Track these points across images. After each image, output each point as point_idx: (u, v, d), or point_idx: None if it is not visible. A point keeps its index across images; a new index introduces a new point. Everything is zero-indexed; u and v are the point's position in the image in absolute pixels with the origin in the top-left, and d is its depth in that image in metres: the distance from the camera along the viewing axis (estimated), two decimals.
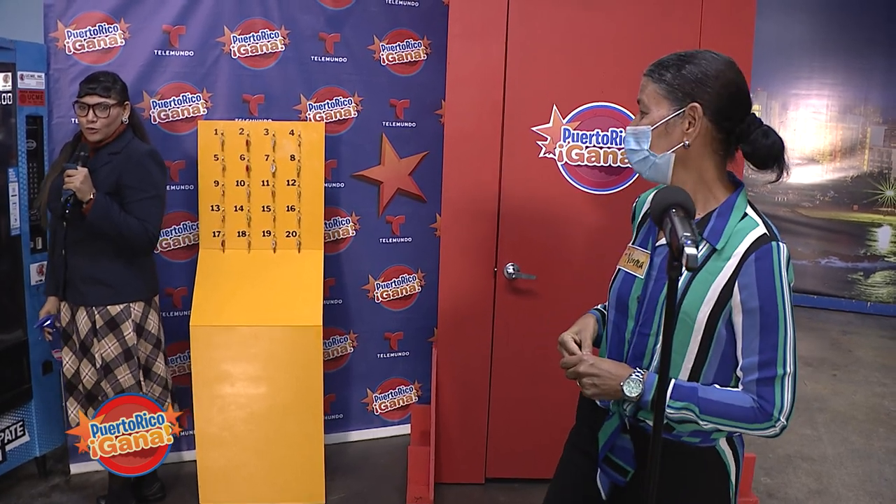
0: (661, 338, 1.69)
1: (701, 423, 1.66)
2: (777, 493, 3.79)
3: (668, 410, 1.64)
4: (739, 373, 1.67)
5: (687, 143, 1.70)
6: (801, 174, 7.40)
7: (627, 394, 1.68)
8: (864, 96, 7.15)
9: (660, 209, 1.41)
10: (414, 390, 4.31)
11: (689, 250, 1.25)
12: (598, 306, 2.04)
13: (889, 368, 5.78)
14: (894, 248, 7.21)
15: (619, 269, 1.87)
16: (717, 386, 1.68)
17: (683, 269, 1.26)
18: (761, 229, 1.66)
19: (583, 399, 2.00)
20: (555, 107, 3.41)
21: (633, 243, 1.90)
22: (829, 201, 7.36)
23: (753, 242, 1.64)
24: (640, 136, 1.76)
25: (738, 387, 1.67)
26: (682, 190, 1.47)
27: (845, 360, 5.93)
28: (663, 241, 1.77)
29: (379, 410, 4.24)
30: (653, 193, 1.89)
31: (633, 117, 1.83)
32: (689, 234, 1.28)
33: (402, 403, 4.30)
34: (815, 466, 4.11)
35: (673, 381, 1.67)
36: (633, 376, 1.69)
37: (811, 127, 7.34)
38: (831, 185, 7.34)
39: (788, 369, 1.64)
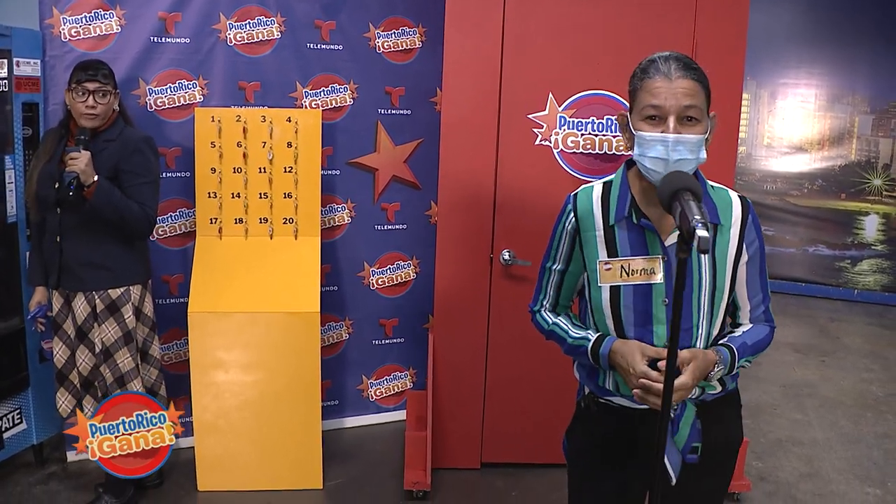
0: (703, 321, 1.81)
1: (748, 363, 1.88)
2: (769, 476, 3.84)
3: (736, 369, 1.85)
4: (748, 310, 1.91)
5: (709, 138, 1.76)
6: (789, 163, 7.46)
7: (716, 379, 1.83)
8: (852, 86, 7.20)
9: (668, 193, 1.43)
10: (409, 376, 4.34)
11: (701, 232, 1.28)
12: (588, 334, 1.92)
13: (876, 355, 5.85)
14: (881, 237, 7.27)
15: (621, 286, 1.81)
16: (743, 331, 1.90)
17: (696, 249, 1.28)
18: (734, 193, 1.87)
19: (603, 415, 1.97)
20: (550, 94, 3.43)
21: (611, 256, 1.83)
22: (817, 190, 7.42)
23: (742, 207, 1.85)
24: (697, 146, 1.71)
25: (738, 322, 1.94)
26: (686, 174, 1.50)
27: (833, 347, 6.00)
28: (674, 238, 1.76)
29: (374, 397, 4.27)
30: (596, 197, 1.88)
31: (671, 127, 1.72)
32: (699, 217, 1.31)
33: (396, 390, 4.32)
34: (806, 450, 4.17)
35: (734, 346, 1.83)
36: (720, 366, 1.79)
37: (799, 116, 7.39)
38: (819, 174, 7.40)
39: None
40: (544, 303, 2.04)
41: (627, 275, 1.79)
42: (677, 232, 1.55)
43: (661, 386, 1.64)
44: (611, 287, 1.82)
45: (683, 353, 1.69)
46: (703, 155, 1.72)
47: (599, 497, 2.01)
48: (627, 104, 3.40)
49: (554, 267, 1.97)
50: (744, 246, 1.83)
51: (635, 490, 1.96)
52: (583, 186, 1.93)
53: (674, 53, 1.74)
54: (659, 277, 1.77)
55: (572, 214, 1.89)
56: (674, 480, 1.82)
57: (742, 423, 2.04)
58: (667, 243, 1.78)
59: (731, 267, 1.82)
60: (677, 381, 1.66)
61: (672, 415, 1.79)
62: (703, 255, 1.75)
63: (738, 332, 1.90)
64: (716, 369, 1.78)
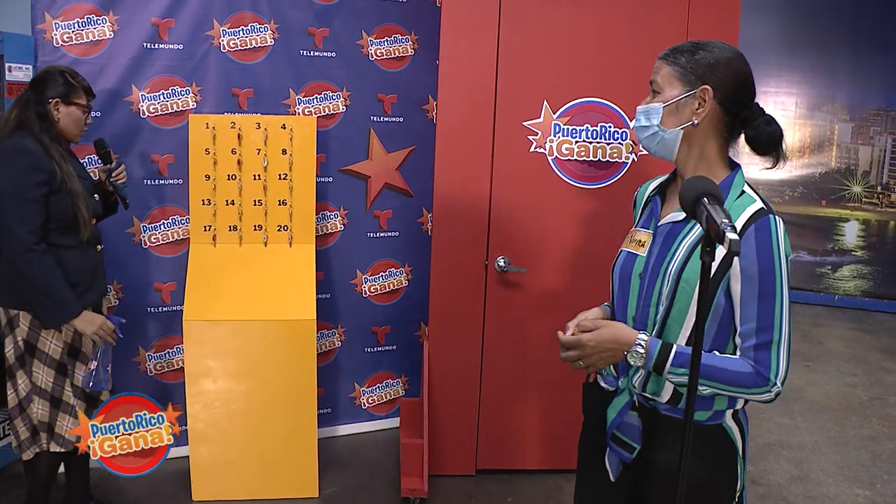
0: (661, 308, 1.79)
1: (700, 387, 1.72)
2: (760, 479, 3.87)
3: (669, 377, 1.74)
4: (738, 339, 1.74)
5: (696, 121, 1.81)
6: (770, 170, 7.52)
7: (631, 363, 1.78)
8: (832, 94, 7.31)
9: (691, 198, 1.45)
10: (401, 384, 4.33)
11: (731, 235, 1.28)
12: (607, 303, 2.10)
13: (858, 359, 5.93)
14: (861, 243, 7.39)
15: (621, 251, 1.96)
16: (716, 353, 1.75)
17: (727, 252, 1.29)
18: (758, 204, 1.77)
19: (589, 391, 2.06)
20: (545, 102, 3.46)
21: (635, 227, 2.00)
22: (798, 197, 7.52)
23: (751, 216, 1.73)
24: (650, 112, 1.86)
25: (736, 354, 1.75)
26: (707, 179, 1.51)
27: (817, 352, 6.07)
28: (668, 218, 1.86)
29: (366, 404, 4.25)
30: (655, 182, 2.01)
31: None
32: (727, 221, 1.32)
33: (389, 397, 4.31)
34: (795, 454, 4.21)
35: (675, 348, 1.73)
36: (637, 348, 1.76)
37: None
38: (800, 181, 7.50)
39: (784, 335, 1.70)
40: None
41: (629, 242, 1.95)
42: (672, 214, 1.84)
43: (565, 337, 1.86)
44: (620, 250, 1.98)
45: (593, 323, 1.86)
46: (660, 123, 1.84)
47: (588, 487, 2.09)
48: (620, 111, 3.45)
49: None
50: (734, 257, 1.70)
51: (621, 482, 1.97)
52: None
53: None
54: (644, 250, 1.88)
55: (635, 197, 2.10)
56: (612, 475, 1.93)
57: (736, 472, 1.85)
58: (660, 222, 1.88)
59: (713, 268, 1.70)
60: (562, 337, 1.87)
61: (610, 385, 1.95)
62: (682, 242, 1.78)
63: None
64: (630, 349, 1.76)
